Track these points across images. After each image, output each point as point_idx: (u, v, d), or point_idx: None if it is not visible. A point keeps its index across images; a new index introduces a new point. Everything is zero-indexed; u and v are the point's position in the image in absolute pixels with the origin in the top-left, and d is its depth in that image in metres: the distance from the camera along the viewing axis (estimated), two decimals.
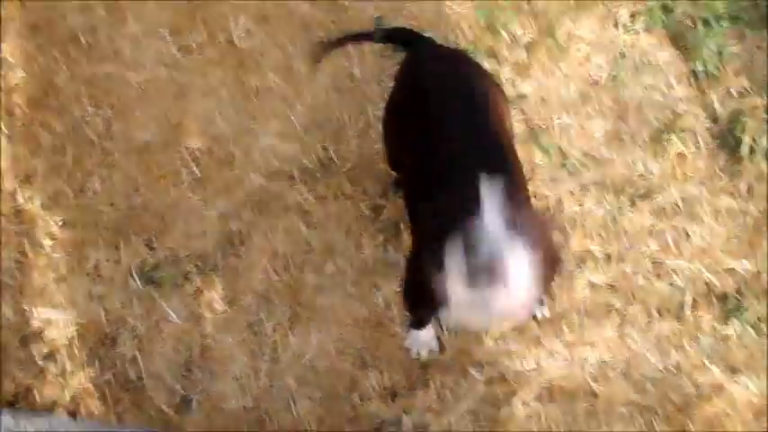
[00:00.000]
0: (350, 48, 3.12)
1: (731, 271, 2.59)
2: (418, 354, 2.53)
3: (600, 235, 2.69)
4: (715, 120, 2.92)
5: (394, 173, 2.74)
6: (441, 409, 2.45)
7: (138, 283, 2.71)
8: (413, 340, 2.54)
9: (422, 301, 2.11)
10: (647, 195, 2.75)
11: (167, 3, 3.28)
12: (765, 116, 2.89)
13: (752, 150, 2.80)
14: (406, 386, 2.51)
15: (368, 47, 3.14)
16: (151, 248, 2.79)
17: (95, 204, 2.86)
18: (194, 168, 2.91)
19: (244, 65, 3.15)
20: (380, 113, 2.95)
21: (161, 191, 2.88)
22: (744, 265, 2.58)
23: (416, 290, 2.15)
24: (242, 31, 3.20)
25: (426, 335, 2.51)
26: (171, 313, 2.66)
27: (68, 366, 2.60)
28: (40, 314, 2.66)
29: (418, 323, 2.47)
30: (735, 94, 2.97)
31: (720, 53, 3.06)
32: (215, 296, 2.69)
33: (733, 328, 2.49)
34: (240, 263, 2.74)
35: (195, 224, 2.82)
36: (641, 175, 2.82)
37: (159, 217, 2.83)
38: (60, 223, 2.82)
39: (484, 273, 1.61)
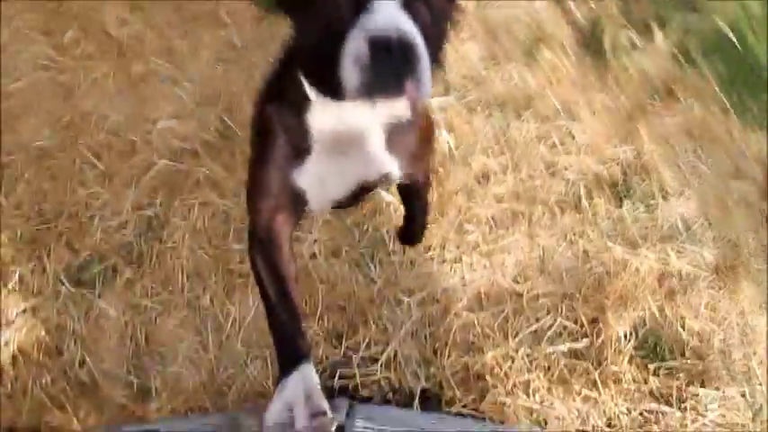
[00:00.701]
0: (226, 18, 3.07)
1: (614, 158, 2.73)
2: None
3: (494, 149, 2.77)
4: (576, 25, 3.03)
5: None
6: (384, 339, 2.50)
7: (69, 287, 2.63)
8: (282, 390, 1.63)
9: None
10: (528, 105, 2.85)
11: (35, 3, 3.14)
12: (621, 16, 3.01)
13: (613, 47, 2.92)
14: (347, 326, 2.55)
15: (241, 13, 3.09)
16: (73, 250, 2.70)
17: (7, 220, 2.74)
18: (97, 164, 2.82)
19: (124, 54, 3.05)
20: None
21: (69, 192, 2.78)
22: (624, 152, 2.72)
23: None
24: (116, 20, 3.09)
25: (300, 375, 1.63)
26: (108, 309, 2.60)
27: (18, 385, 2.52)
28: None
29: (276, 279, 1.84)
30: (591, 2, 3.08)
31: None
32: (147, 283, 2.63)
33: (625, 209, 2.64)
34: (164, 246, 2.69)
35: (112, 218, 2.74)
36: (520, 88, 2.90)
37: (74, 218, 2.74)
38: None
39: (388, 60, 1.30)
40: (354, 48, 1.28)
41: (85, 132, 2.90)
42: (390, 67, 1.29)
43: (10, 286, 2.64)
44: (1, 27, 3.07)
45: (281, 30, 3.05)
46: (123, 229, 2.73)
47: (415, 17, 1.33)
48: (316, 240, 2.65)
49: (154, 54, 3.04)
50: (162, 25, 3.10)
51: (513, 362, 2.45)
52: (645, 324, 2.45)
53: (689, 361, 2.38)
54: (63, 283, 2.64)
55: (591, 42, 3.01)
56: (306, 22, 1.43)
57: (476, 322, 2.50)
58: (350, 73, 1.29)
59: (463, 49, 2.99)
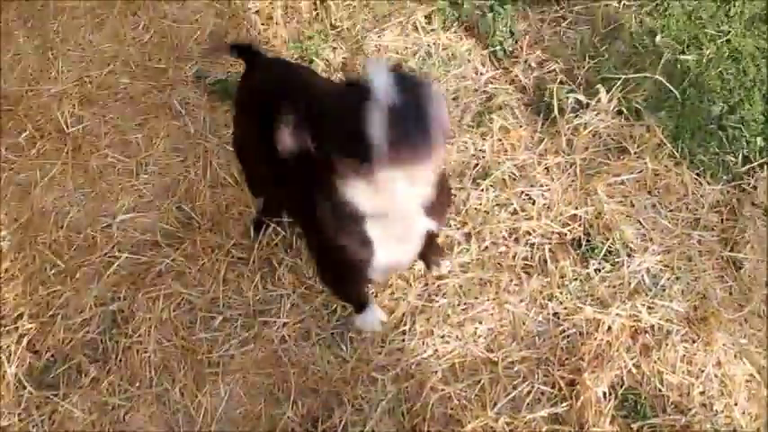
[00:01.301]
0: (179, 107, 3.00)
1: (575, 218, 2.66)
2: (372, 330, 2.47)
3: (455, 219, 2.68)
4: (524, 91, 3.01)
5: (255, 211, 2.67)
6: (360, 420, 2.36)
7: (32, 390, 2.46)
8: (362, 322, 2.48)
9: (345, 266, 1.99)
10: (486, 174, 2.78)
11: None
12: (564, 77, 3.00)
13: (561, 109, 2.89)
14: (322, 409, 2.39)
15: (195, 101, 3.03)
16: (35, 353, 2.54)
17: None
18: (58, 262, 2.68)
19: (80, 149, 2.96)
20: (223, 161, 2.87)
21: (29, 293, 2.64)
22: (585, 212, 2.66)
23: (335, 256, 1.96)
24: (69, 117, 3.00)
25: (371, 314, 2.45)
26: (74, 410, 2.43)
27: None
28: None
29: (359, 305, 2.42)
30: (534, 64, 3.08)
31: (512, 32, 3.17)
32: (114, 380, 2.48)
33: (592, 269, 2.55)
34: (130, 340, 2.54)
35: (74, 315, 2.59)
36: (475, 156, 2.85)
37: (34, 319, 2.59)
38: None
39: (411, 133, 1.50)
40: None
41: (44, 231, 2.78)
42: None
43: None
44: None
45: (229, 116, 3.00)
46: (87, 326, 2.59)
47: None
48: (285, 324, 2.52)
49: (109, 148, 2.95)
50: (116, 119, 3.01)
51: None
52: (623, 383, 2.33)
53: (671, 417, 2.26)
54: (25, 387, 2.48)
55: (540, 106, 2.98)
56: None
57: (452, 395, 2.37)
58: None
59: None
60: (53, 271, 2.67)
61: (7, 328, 2.58)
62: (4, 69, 3.22)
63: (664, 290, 2.51)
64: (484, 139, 2.89)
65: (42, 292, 2.63)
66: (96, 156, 2.94)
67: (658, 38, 3.12)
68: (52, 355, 2.52)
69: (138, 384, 2.46)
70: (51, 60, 3.24)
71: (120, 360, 2.51)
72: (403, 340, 2.47)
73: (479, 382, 2.38)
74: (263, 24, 3.28)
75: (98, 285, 2.65)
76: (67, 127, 2.99)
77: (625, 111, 2.89)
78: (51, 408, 2.44)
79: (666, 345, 2.38)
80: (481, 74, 3.08)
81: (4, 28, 3.38)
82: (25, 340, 2.55)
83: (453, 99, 3.00)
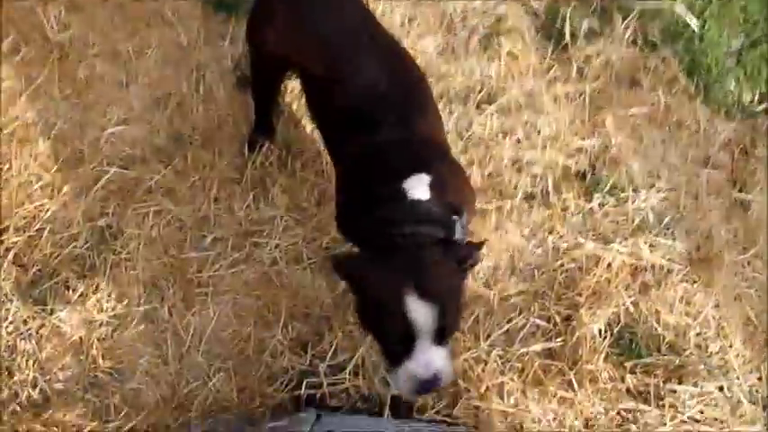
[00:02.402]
0: (172, 16, 2.90)
1: (582, 150, 2.62)
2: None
3: (457, 144, 2.64)
4: (535, 15, 2.92)
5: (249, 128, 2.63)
6: (351, 346, 2.38)
7: (19, 305, 2.45)
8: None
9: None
10: (490, 98, 2.73)
11: None
12: (578, 2, 2.90)
13: (573, 36, 2.82)
14: (313, 334, 2.41)
15: (188, 11, 2.93)
16: (21, 266, 2.52)
17: None
18: (44, 174, 2.64)
19: (67, 58, 2.87)
20: (218, 76, 2.81)
21: (15, 205, 2.59)
22: (591, 142, 2.62)
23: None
24: (56, 24, 2.90)
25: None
26: (62, 325, 2.43)
27: None
28: None
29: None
30: None
31: None
32: (102, 296, 2.47)
33: (595, 203, 2.53)
34: (118, 257, 2.53)
35: (62, 230, 2.57)
36: (480, 81, 2.78)
37: (21, 232, 2.56)
38: None
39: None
40: (403, 379, 1.80)
41: (29, 142, 2.71)
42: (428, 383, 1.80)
43: None
44: None
45: (229, 27, 2.92)
46: (74, 241, 2.57)
47: (445, 340, 1.80)
48: (277, 246, 2.51)
49: (98, 57, 2.86)
50: (105, 27, 2.91)
51: (485, 364, 2.34)
52: (620, 320, 2.35)
53: (665, 357, 2.29)
54: (12, 301, 2.47)
55: (551, 32, 2.90)
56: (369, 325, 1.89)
57: None
58: (401, 385, 1.82)
59: (421, 44, 2.86)
60: (39, 184, 2.63)
61: None
62: None
63: (668, 228, 2.50)
64: (491, 62, 2.82)
65: (28, 205, 2.59)
66: (84, 65, 2.85)
67: None
68: (39, 270, 2.50)
69: (126, 302, 2.46)
70: None
71: (109, 277, 2.50)
72: None
73: (474, 313, 2.40)
74: None
75: (86, 200, 2.61)
76: (54, 34, 2.89)
77: (640, 41, 2.83)
78: (39, 322, 2.43)
79: (666, 284, 2.39)
80: None
81: None
82: (11, 254, 2.52)
83: (461, 20, 2.91)
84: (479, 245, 1.87)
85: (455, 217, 1.86)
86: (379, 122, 1.97)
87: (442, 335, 1.76)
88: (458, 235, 1.85)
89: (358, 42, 2.10)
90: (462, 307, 1.89)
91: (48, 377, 2.37)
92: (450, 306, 1.77)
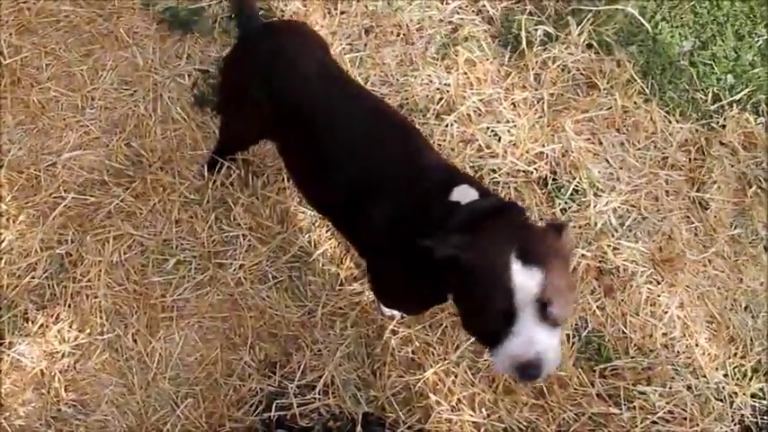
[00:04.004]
0: (126, 37, 2.83)
1: (542, 155, 2.59)
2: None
3: None
4: (491, 22, 2.89)
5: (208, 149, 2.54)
6: (319, 365, 2.33)
7: None
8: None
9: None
10: (450, 107, 2.68)
11: None
12: (533, 8, 2.88)
13: (529, 42, 2.79)
14: (280, 354, 2.35)
15: (143, 31, 2.85)
16: None
17: None
18: None
19: (20, 82, 2.77)
20: (175, 95, 2.74)
21: None
22: (551, 148, 2.59)
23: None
24: (6, 47, 2.80)
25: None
26: (22, 359, 2.34)
27: None
28: None
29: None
30: None
31: None
32: (63, 327, 2.39)
33: (558, 208, 2.51)
34: (79, 285, 2.44)
35: (19, 260, 2.48)
36: (439, 90, 2.74)
37: None
38: None
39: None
40: (502, 360, 1.59)
41: None
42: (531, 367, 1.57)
43: None
44: None
45: (186, 46, 2.84)
46: (33, 271, 2.48)
47: (553, 320, 1.56)
48: (241, 266, 2.44)
49: (52, 81, 2.76)
50: (58, 49, 2.82)
51: (455, 377, 2.30)
52: (587, 325, 2.32)
53: (633, 359, 2.26)
54: None
55: (508, 39, 2.87)
56: (468, 308, 1.67)
57: (413, 338, 2.33)
58: (502, 366, 1.61)
59: (379, 55, 2.81)
60: None
61: None
62: None
63: (630, 230, 2.49)
64: (449, 72, 2.78)
65: None
66: (37, 89, 2.75)
67: None
68: None
69: (88, 331, 2.39)
70: None
71: (69, 306, 2.42)
72: (362, 284, 2.42)
73: (441, 324, 2.35)
74: None
75: (43, 228, 2.52)
76: (5, 58, 2.79)
77: (595, 44, 2.81)
78: None
79: (631, 286, 2.37)
80: (447, 3, 2.94)
81: None
82: None
83: (417, 30, 2.87)
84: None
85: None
86: (392, 181, 1.85)
87: (547, 311, 1.54)
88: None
89: (344, 105, 1.98)
90: (573, 285, 1.70)
91: (8, 413, 2.29)
92: (557, 275, 1.55)
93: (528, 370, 1.57)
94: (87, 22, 2.90)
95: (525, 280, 1.52)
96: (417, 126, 2.16)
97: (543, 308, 1.53)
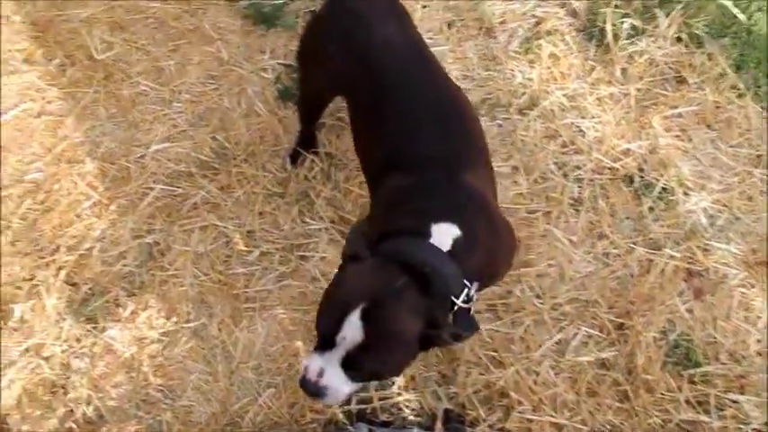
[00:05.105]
0: (212, 32, 2.86)
1: (628, 152, 2.50)
2: None
3: (501, 150, 2.54)
4: (575, 15, 2.80)
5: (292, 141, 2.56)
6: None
7: (71, 323, 2.42)
8: None
9: None
10: (533, 103, 2.62)
11: (11, 29, 2.94)
12: (619, 1, 2.77)
13: (615, 36, 2.69)
14: None
15: (228, 26, 2.88)
16: (73, 285, 2.49)
17: (4, 257, 2.53)
18: (92, 193, 2.61)
19: (112, 77, 2.84)
20: (259, 89, 2.75)
21: (65, 225, 2.57)
22: (638, 144, 2.49)
23: None
24: (99, 44, 2.87)
25: None
26: (113, 343, 2.40)
27: (24, 427, 2.31)
28: None
29: None
30: None
31: None
32: (152, 313, 2.43)
33: (645, 207, 2.41)
34: (166, 273, 2.49)
35: (110, 248, 2.54)
36: (522, 84, 2.67)
37: (71, 251, 2.53)
38: None
39: None
40: (303, 364, 1.68)
41: (78, 162, 2.69)
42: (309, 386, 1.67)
43: (10, 325, 2.45)
44: None
45: (269, 41, 2.85)
46: (123, 258, 2.54)
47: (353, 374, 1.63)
48: (323, 258, 2.44)
49: (141, 75, 2.83)
50: (147, 45, 2.88)
51: (537, 375, 2.24)
52: (675, 328, 2.23)
53: (725, 365, 2.16)
54: (65, 320, 2.44)
55: (593, 32, 2.78)
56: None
57: (494, 335, 2.28)
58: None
59: (461, 49, 2.76)
60: (88, 203, 2.60)
61: (45, 260, 2.52)
62: None
63: (721, 231, 2.38)
64: (532, 66, 2.71)
65: (78, 224, 2.57)
66: (128, 84, 2.82)
67: None
68: (90, 288, 2.47)
69: (175, 319, 2.42)
70: None
71: (157, 294, 2.46)
72: None
73: (523, 323, 2.30)
74: None
75: (133, 217, 2.57)
76: (98, 54, 2.86)
77: (685, 37, 2.69)
78: (91, 340, 2.40)
79: (722, 289, 2.26)
80: None
81: None
82: (63, 273, 2.50)
83: (500, 23, 2.81)
84: (470, 326, 1.68)
85: (466, 282, 1.68)
86: (423, 165, 1.82)
87: (355, 366, 1.61)
88: (460, 301, 1.66)
89: (411, 81, 1.96)
90: (396, 362, 1.67)
91: (101, 394, 2.34)
92: (382, 352, 1.60)
93: (306, 386, 1.67)
94: (174, 18, 2.96)
95: (350, 334, 1.57)
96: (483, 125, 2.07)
97: (350, 360, 1.60)
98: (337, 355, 1.60)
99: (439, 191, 1.78)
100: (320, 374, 1.62)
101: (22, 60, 2.88)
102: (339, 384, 1.64)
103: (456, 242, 1.68)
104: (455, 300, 1.66)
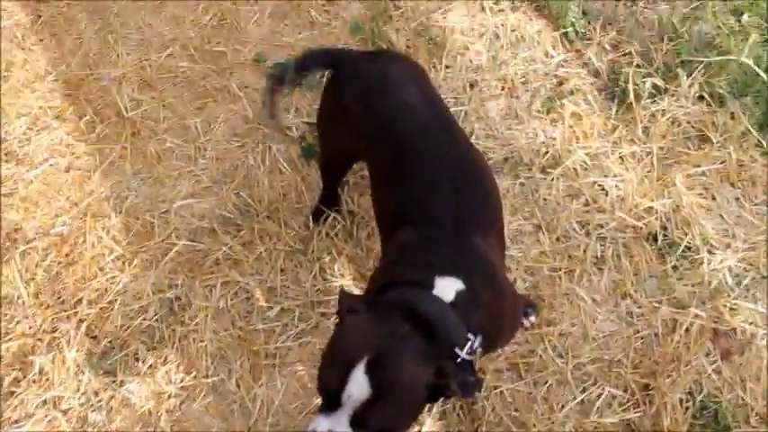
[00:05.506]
0: (237, 91, 2.96)
1: (651, 211, 2.51)
2: None
3: (524, 209, 2.57)
4: (597, 75, 2.86)
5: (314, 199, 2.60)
6: (421, 419, 2.25)
7: (90, 376, 2.45)
8: None
9: None
10: (555, 161, 2.66)
11: (45, 87, 3.08)
12: (640, 60, 2.83)
13: (637, 95, 2.74)
14: None
15: (253, 85, 2.98)
16: (93, 338, 2.53)
17: (24, 310, 2.58)
18: (116, 247, 2.67)
19: (139, 134, 2.94)
20: (282, 147, 2.83)
21: (88, 278, 2.63)
22: (662, 203, 2.51)
23: None
24: (128, 101, 2.98)
25: None
26: (131, 397, 2.41)
27: None
28: None
29: None
30: (608, 47, 2.93)
31: (585, 13, 3.01)
32: (170, 368, 2.46)
33: (669, 266, 2.41)
34: (186, 329, 2.51)
35: (132, 302, 2.58)
36: (544, 144, 2.72)
37: (93, 304, 2.58)
38: None
39: None
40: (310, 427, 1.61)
41: (103, 217, 2.76)
42: None
43: (29, 377, 2.48)
44: (20, 116, 2.99)
45: (294, 99, 2.94)
46: (144, 313, 2.58)
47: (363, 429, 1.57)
48: None
49: (168, 132, 2.92)
50: (175, 103, 2.98)
51: None
52: (702, 389, 2.20)
53: (755, 429, 2.11)
54: (84, 373, 2.47)
55: (614, 92, 2.83)
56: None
57: (516, 395, 2.27)
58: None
59: (484, 108, 2.83)
60: (111, 257, 2.66)
61: (67, 313, 2.57)
62: (65, 54, 3.22)
63: (748, 290, 2.36)
64: (554, 125, 2.76)
65: (101, 277, 2.62)
66: (155, 140, 2.91)
67: (745, 17, 2.93)
68: (110, 342, 2.51)
69: (194, 374, 2.44)
70: (111, 44, 3.21)
71: (177, 348, 2.48)
72: None
73: (546, 383, 2.28)
74: (323, 4, 3.20)
75: (155, 272, 2.62)
76: (127, 111, 2.97)
77: (707, 96, 2.73)
78: (109, 394, 2.43)
79: (750, 350, 2.24)
80: (552, 57, 2.94)
81: (66, 12, 3.37)
82: (84, 326, 2.54)
83: (522, 83, 2.87)
84: (476, 381, 1.64)
85: (470, 335, 1.67)
86: (435, 223, 1.84)
87: (364, 424, 1.56)
88: (464, 353, 1.65)
89: (430, 142, 1.99)
90: (407, 416, 1.64)
91: None
92: (391, 406, 1.56)
93: None
94: (202, 77, 3.06)
95: (356, 391, 1.54)
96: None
97: (359, 419, 1.55)
98: (344, 414, 1.56)
99: (446, 248, 1.80)
100: None
101: (53, 117, 2.99)
102: None
103: (459, 295, 1.68)
104: (459, 352, 1.64)
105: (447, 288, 1.69)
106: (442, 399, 1.63)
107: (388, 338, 1.58)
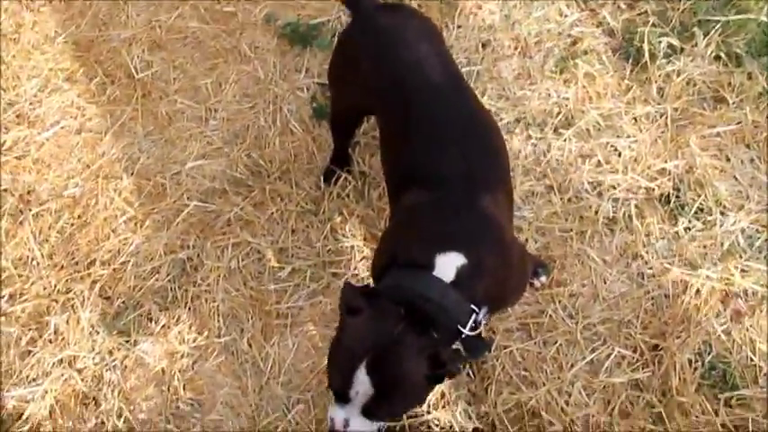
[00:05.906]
0: (249, 52, 2.97)
1: (664, 172, 2.53)
2: None
3: (536, 170, 2.59)
4: (612, 34, 2.85)
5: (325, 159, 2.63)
6: None
7: (104, 336, 2.52)
8: None
9: None
10: (568, 122, 2.66)
11: (55, 48, 3.11)
12: (656, 20, 2.81)
13: (652, 55, 2.73)
14: None
15: (264, 45, 2.99)
16: (107, 298, 2.59)
17: (39, 271, 2.64)
18: (128, 209, 2.71)
19: (149, 95, 2.96)
20: (294, 108, 2.84)
21: (101, 240, 2.68)
22: (675, 164, 2.52)
23: None
24: (138, 62, 3.00)
25: None
26: (145, 357, 2.48)
27: None
28: (12, 395, 2.45)
29: None
30: (623, 6, 2.91)
31: None
32: (183, 328, 2.51)
33: (681, 227, 2.43)
34: (198, 289, 2.57)
35: (144, 263, 2.63)
36: (557, 104, 2.72)
37: (106, 265, 2.63)
38: (6, 298, 2.60)
39: None
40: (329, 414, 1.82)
41: (115, 178, 2.81)
42: None
43: (45, 337, 2.55)
44: (30, 78, 3.02)
45: (305, 60, 2.96)
46: (156, 273, 2.63)
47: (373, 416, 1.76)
48: (355, 275, 2.50)
49: (178, 93, 2.95)
50: (185, 64, 3.01)
51: (569, 396, 2.25)
52: (711, 350, 2.23)
53: (763, 389, 2.15)
54: (98, 333, 2.54)
55: (629, 51, 2.82)
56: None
57: (526, 354, 2.31)
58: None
59: (496, 68, 2.82)
60: (124, 218, 2.71)
61: (80, 273, 2.63)
62: (74, 15, 3.23)
63: (760, 252, 2.38)
64: (567, 85, 2.76)
65: (113, 239, 2.67)
66: (165, 102, 2.94)
67: None
68: (123, 302, 2.57)
69: (206, 334, 2.49)
70: (121, 5, 3.21)
71: (190, 308, 2.54)
72: None
73: (556, 342, 2.32)
74: None
75: (167, 233, 2.67)
76: (137, 72, 2.99)
77: (724, 56, 2.71)
78: (123, 353, 2.49)
79: (760, 311, 2.26)
80: (566, 16, 2.92)
81: None
82: (97, 286, 2.60)
83: (535, 43, 2.87)
84: (485, 344, 1.82)
85: (473, 308, 1.76)
86: (443, 183, 1.87)
87: (374, 413, 1.74)
88: (467, 330, 1.75)
89: (440, 100, 2.02)
90: (414, 403, 1.85)
91: (132, 407, 2.42)
92: (395, 400, 1.73)
93: None
94: (212, 37, 3.07)
95: (362, 387, 1.69)
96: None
97: (368, 410, 1.73)
98: (356, 406, 1.73)
99: (453, 214, 1.84)
100: (346, 425, 1.76)
101: (64, 79, 3.02)
102: (366, 428, 1.77)
103: (460, 271, 1.74)
104: (462, 329, 1.74)
105: (448, 266, 1.75)
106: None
107: (383, 338, 1.69)
